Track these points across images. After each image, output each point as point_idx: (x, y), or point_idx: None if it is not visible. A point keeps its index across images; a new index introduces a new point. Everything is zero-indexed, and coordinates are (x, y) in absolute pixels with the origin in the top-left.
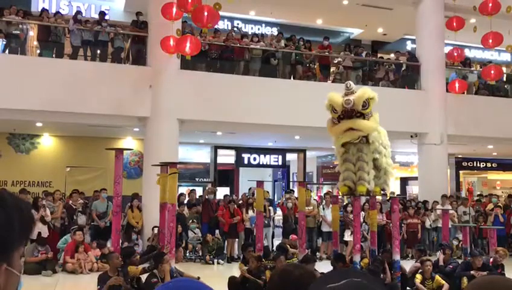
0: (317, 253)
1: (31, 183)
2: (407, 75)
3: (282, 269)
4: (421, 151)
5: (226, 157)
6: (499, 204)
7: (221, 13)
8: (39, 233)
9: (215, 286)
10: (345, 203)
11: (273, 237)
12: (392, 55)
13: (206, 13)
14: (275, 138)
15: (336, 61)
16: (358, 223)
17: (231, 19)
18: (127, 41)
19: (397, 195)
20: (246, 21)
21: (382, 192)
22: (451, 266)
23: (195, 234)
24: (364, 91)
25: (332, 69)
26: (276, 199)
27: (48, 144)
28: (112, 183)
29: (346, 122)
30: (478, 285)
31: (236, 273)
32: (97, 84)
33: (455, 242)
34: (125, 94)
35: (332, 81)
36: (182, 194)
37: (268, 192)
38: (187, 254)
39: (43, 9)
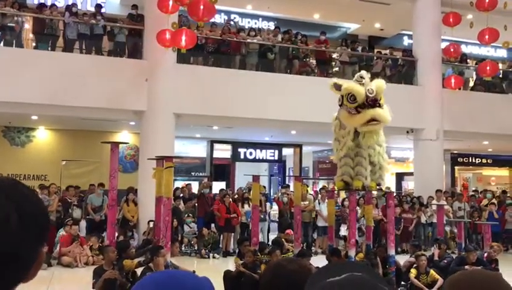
0: (313, 248)
1: (26, 177)
2: (403, 71)
3: (275, 263)
4: (417, 147)
5: (222, 152)
6: (493, 201)
7: (217, 7)
8: None
9: (211, 280)
10: (342, 198)
11: (268, 231)
12: (388, 51)
13: (202, 7)
14: (271, 132)
15: (333, 56)
16: (354, 217)
17: (228, 13)
18: (124, 34)
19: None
20: (243, 15)
21: (378, 187)
22: (445, 261)
23: (190, 228)
24: (381, 82)
25: (335, 69)
26: (272, 194)
27: (43, 137)
28: (107, 177)
29: (369, 111)
30: (458, 279)
31: (232, 267)
32: (93, 78)
33: (447, 228)
34: (121, 88)
35: (327, 76)
36: (177, 188)
37: (264, 187)
38: (183, 248)
39: (40, 4)
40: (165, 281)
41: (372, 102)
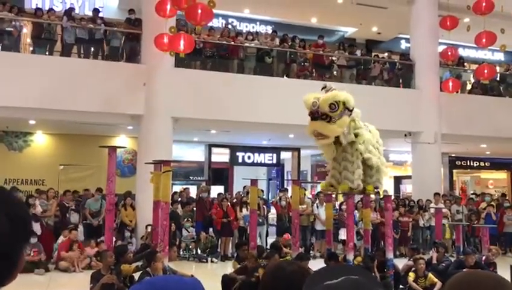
0: (311, 251)
1: (24, 181)
2: (401, 74)
3: (275, 265)
4: (415, 150)
5: (221, 156)
6: (492, 203)
7: (215, 11)
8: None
9: (209, 284)
10: (340, 202)
11: (267, 235)
12: (386, 55)
13: (199, 11)
14: (269, 136)
15: (333, 59)
16: (351, 221)
17: (225, 17)
18: (120, 39)
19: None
20: (240, 19)
21: (376, 190)
22: (444, 264)
23: (189, 232)
24: (335, 94)
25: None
26: (270, 198)
27: (41, 141)
28: (105, 181)
29: (311, 124)
30: (459, 280)
31: (230, 271)
32: (91, 82)
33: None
34: (119, 92)
35: (325, 79)
36: (175, 193)
37: (262, 190)
38: (181, 253)
39: (37, 9)
40: (161, 286)
41: (312, 114)
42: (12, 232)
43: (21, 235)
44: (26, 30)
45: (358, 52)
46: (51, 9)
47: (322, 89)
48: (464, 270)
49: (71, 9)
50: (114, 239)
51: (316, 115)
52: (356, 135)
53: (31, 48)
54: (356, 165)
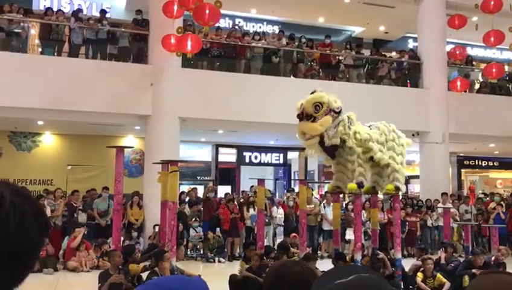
0: (319, 251)
1: (32, 182)
2: (409, 74)
3: (279, 265)
4: (423, 150)
5: (228, 156)
6: (501, 202)
7: (222, 11)
8: None
9: (216, 284)
10: (346, 202)
11: (274, 235)
12: (394, 54)
13: (207, 11)
14: (276, 136)
15: (340, 58)
16: (359, 221)
17: (232, 17)
18: (127, 39)
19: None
20: (248, 19)
21: (398, 191)
22: (452, 265)
23: (197, 232)
24: (319, 94)
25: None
26: (277, 197)
27: (49, 142)
28: (113, 181)
29: (298, 126)
30: (484, 283)
31: (238, 271)
32: (98, 82)
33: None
34: (126, 92)
35: (332, 79)
36: (183, 193)
37: (270, 190)
38: (188, 252)
39: (47, 8)
40: (164, 287)
41: (298, 116)
42: (35, 230)
43: (44, 234)
44: (34, 31)
45: (367, 52)
46: (59, 11)
47: (312, 93)
48: (473, 271)
49: (79, 10)
50: (122, 239)
51: (301, 116)
52: (346, 136)
53: (39, 49)
54: (357, 164)
